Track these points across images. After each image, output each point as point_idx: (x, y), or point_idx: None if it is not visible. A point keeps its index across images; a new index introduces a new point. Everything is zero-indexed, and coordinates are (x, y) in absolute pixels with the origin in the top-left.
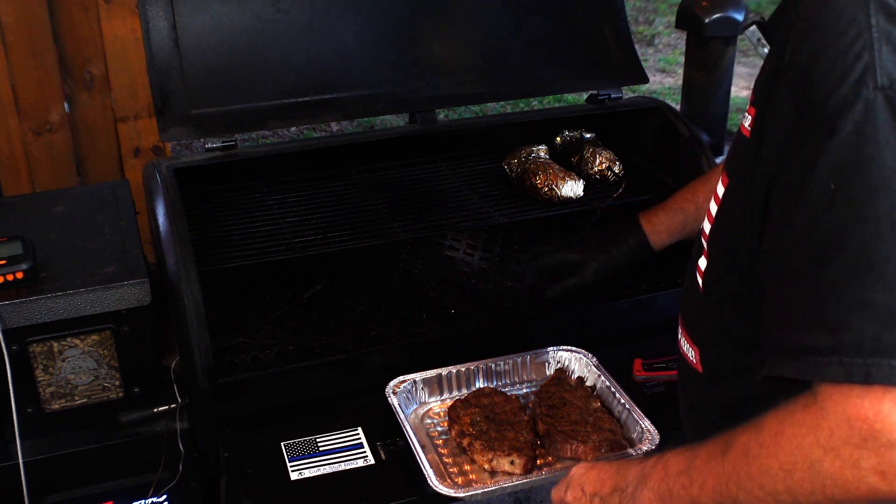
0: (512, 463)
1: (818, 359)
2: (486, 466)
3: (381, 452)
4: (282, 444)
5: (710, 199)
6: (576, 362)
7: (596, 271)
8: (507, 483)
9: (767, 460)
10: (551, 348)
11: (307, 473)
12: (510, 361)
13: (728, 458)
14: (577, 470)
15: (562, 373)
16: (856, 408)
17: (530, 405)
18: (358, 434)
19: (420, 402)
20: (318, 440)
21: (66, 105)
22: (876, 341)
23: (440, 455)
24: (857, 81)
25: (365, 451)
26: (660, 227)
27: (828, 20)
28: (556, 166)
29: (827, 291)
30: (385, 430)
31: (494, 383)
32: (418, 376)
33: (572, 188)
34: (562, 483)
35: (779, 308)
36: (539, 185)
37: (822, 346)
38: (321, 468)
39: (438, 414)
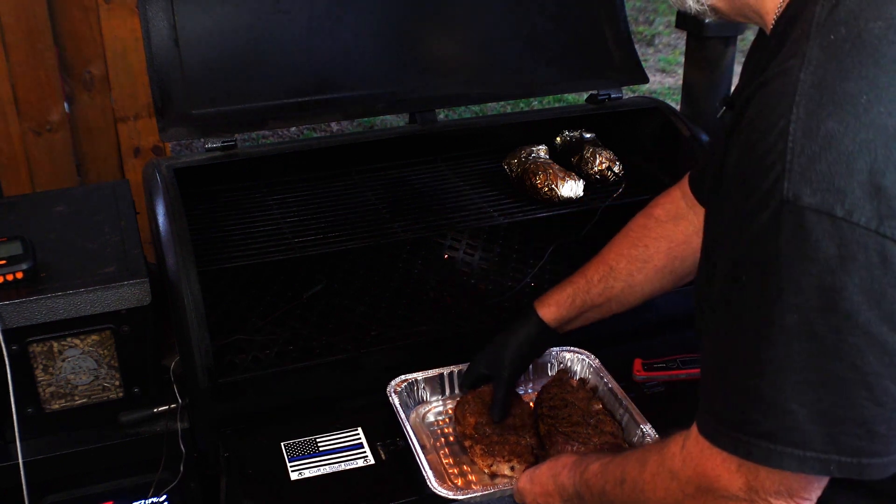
0: (512, 469)
1: (702, 415)
2: (486, 471)
3: (381, 452)
4: (282, 444)
5: (616, 265)
6: (578, 363)
7: (510, 373)
8: (506, 486)
9: (650, 495)
10: (554, 349)
11: (307, 473)
12: None
13: (624, 488)
14: (524, 485)
15: (564, 374)
16: (705, 464)
17: (532, 406)
18: (358, 434)
19: (421, 401)
20: (318, 440)
21: (66, 105)
22: (756, 425)
23: (440, 456)
24: (766, 190)
25: (365, 452)
26: (549, 301)
27: (760, 122)
28: (556, 166)
29: (719, 363)
30: (385, 430)
31: None
32: (420, 375)
33: (572, 188)
34: (517, 495)
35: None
36: (539, 185)
37: (702, 406)
38: (321, 468)
39: (440, 414)
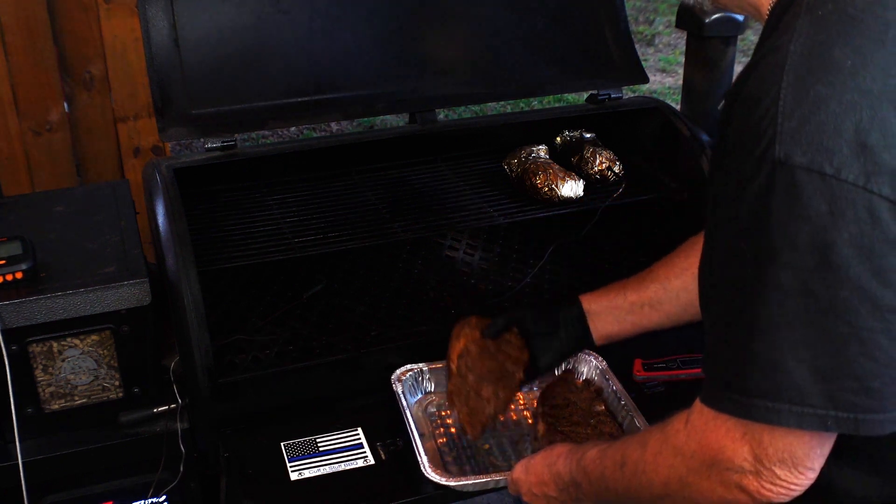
0: (497, 395)
1: (705, 386)
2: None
3: (381, 452)
4: (282, 444)
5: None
6: (585, 364)
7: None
8: (499, 476)
9: (652, 476)
10: None
11: (307, 474)
12: None
13: (625, 471)
14: (519, 475)
15: (569, 374)
16: (709, 436)
17: (534, 404)
18: (358, 434)
19: (425, 391)
20: (317, 440)
21: (65, 105)
22: (756, 385)
23: (438, 445)
24: (759, 154)
25: (365, 452)
26: (601, 321)
27: (754, 94)
28: (556, 166)
29: (719, 333)
30: (385, 430)
31: None
32: (425, 366)
33: (572, 188)
34: (512, 485)
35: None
36: (539, 185)
37: (707, 373)
38: (321, 468)
39: (442, 405)
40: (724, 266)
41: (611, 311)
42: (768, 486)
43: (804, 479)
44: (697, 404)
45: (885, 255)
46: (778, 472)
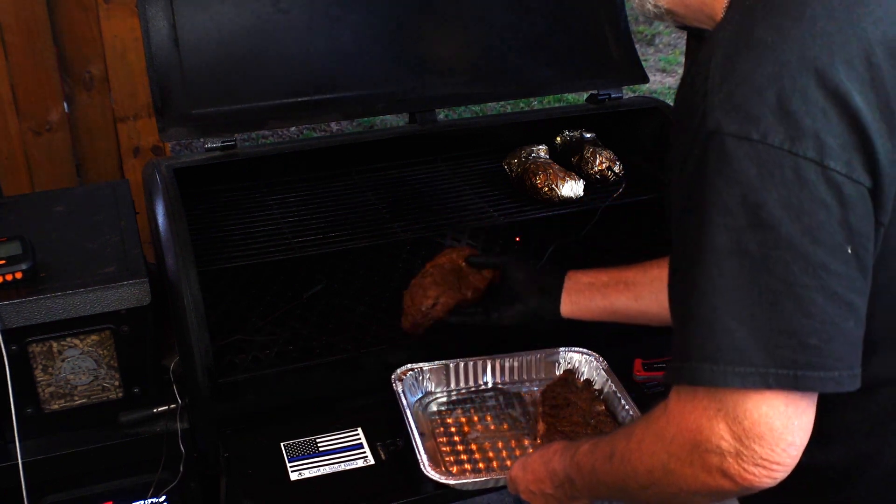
0: (435, 304)
1: (670, 364)
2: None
3: (381, 453)
4: (282, 444)
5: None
6: (586, 365)
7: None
8: (499, 475)
9: (637, 465)
10: (562, 348)
11: (307, 474)
12: (520, 358)
13: (613, 463)
14: (516, 473)
15: (570, 374)
16: (686, 418)
17: (536, 403)
18: (358, 434)
19: (425, 391)
20: (317, 440)
21: (65, 105)
22: (699, 349)
23: (438, 444)
24: (695, 127)
25: (365, 452)
26: (573, 298)
27: (691, 79)
28: (556, 166)
29: (677, 304)
30: (385, 430)
31: (502, 378)
32: (425, 365)
33: (572, 188)
34: (510, 484)
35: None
36: (539, 185)
37: (674, 351)
38: (321, 468)
39: (442, 405)
40: (676, 243)
41: (588, 287)
42: (750, 468)
43: (786, 458)
44: (673, 388)
45: (813, 213)
46: (758, 449)
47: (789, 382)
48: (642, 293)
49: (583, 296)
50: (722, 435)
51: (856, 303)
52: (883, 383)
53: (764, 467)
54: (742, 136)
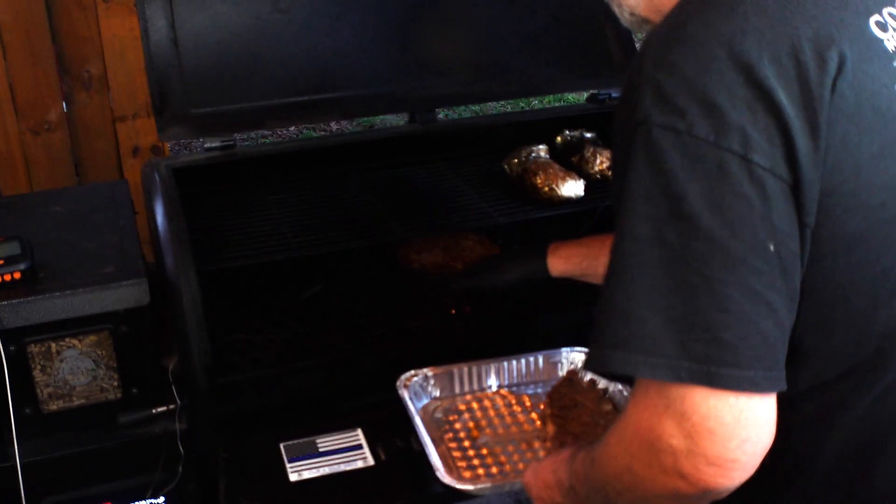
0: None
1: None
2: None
3: (381, 453)
4: (281, 444)
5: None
6: None
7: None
8: (516, 480)
9: (608, 469)
10: (564, 349)
11: (306, 474)
12: (522, 360)
13: (595, 468)
14: (529, 479)
15: (574, 374)
16: (640, 416)
17: (542, 406)
18: (357, 435)
19: (431, 397)
20: (317, 441)
21: (64, 104)
22: (612, 336)
23: (449, 449)
24: (629, 118)
25: (364, 452)
26: (561, 254)
27: (630, 70)
28: (557, 166)
29: (601, 290)
30: (385, 430)
31: (506, 381)
32: (430, 371)
33: (573, 188)
34: (525, 488)
35: None
36: (539, 185)
37: (590, 337)
38: (320, 469)
39: (448, 410)
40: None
41: (573, 243)
42: (704, 467)
43: (742, 455)
44: (634, 385)
45: (735, 207)
46: (709, 446)
47: (703, 378)
48: None
49: (567, 249)
50: (671, 432)
51: (776, 303)
52: (814, 388)
53: (718, 466)
54: (668, 127)
